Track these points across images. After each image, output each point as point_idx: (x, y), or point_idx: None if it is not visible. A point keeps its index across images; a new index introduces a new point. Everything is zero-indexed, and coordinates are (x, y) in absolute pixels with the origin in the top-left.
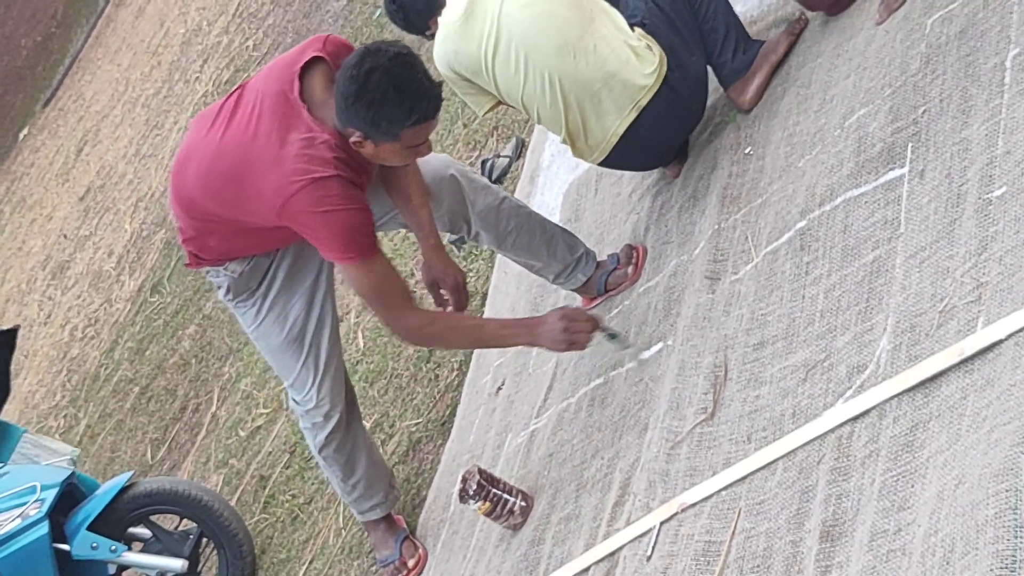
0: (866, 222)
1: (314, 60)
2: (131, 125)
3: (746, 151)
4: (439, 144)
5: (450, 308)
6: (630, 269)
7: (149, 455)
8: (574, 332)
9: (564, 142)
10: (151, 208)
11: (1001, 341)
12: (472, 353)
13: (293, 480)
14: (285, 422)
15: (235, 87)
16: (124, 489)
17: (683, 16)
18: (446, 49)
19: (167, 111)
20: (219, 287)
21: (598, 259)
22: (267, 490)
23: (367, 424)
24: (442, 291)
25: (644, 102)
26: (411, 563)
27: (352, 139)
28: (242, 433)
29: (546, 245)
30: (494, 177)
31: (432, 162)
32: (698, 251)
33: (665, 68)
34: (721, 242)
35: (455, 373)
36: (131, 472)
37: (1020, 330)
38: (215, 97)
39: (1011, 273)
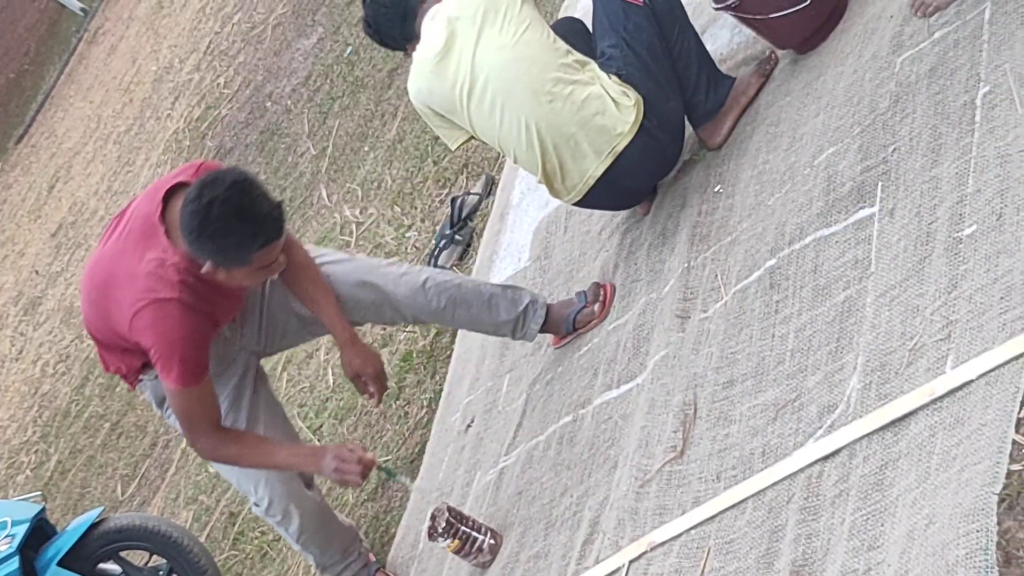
0: (836, 261)
1: (180, 185)
2: (103, 162)
3: (716, 189)
4: (410, 181)
5: (373, 394)
6: (597, 307)
7: (119, 491)
8: (344, 472)
9: (540, 182)
10: None
11: (972, 381)
12: (441, 391)
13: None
14: None
15: (128, 203)
16: (94, 525)
17: (659, 61)
18: (420, 86)
19: (139, 148)
20: (150, 401)
21: (568, 296)
22: (236, 527)
23: None
24: (364, 380)
25: (621, 147)
26: None
27: (204, 269)
28: (211, 470)
29: (487, 310)
30: (464, 214)
31: (346, 275)
32: (668, 289)
33: (642, 115)
34: (691, 280)
35: (424, 410)
36: (101, 508)
37: (991, 370)
38: (187, 134)
39: (981, 311)
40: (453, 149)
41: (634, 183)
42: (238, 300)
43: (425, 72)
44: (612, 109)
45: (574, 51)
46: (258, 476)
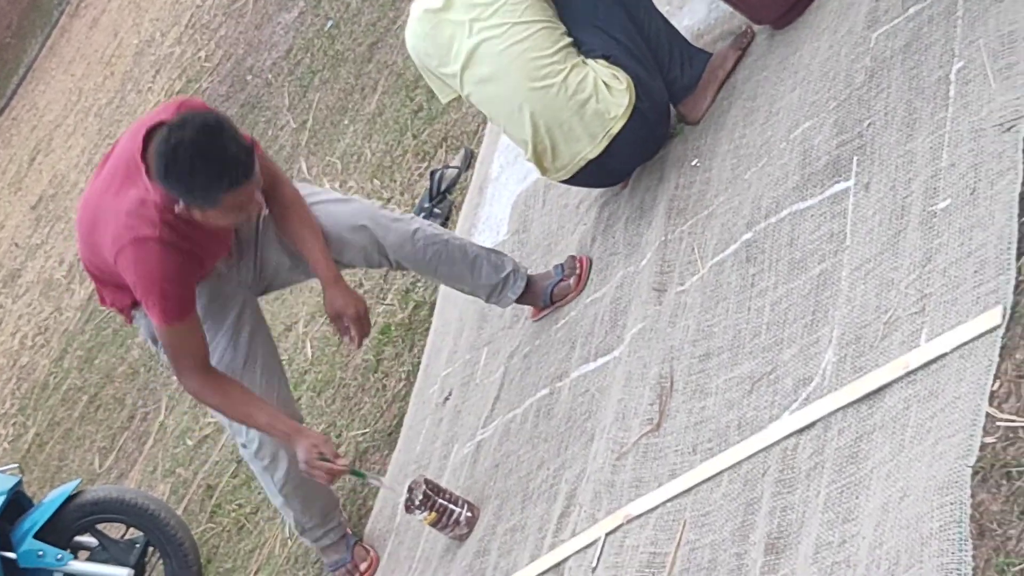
0: (812, 235)
1: (162, 124)
2: (84, 134)
3: (693, 163)
4: (390, 155)
5: (353, 337)
6: (573, 280)
7: (97, 464)
8: (313, 468)
9: (529, 160)
10: None
11: (946, 354)
12: (419, 364)
13: (240, 490)
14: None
15: (115, 142)
16: (71, 497)
17: (637, 43)
18: (416, 44)
19: (119, 121)
20: (145, 338)
21: (547, 269)
22: (214, 499)
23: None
24: (345, 323)
25: (616, 130)
26: (363, 566)
27: (177, 209)
28: (189, 442)
29: (469, 269)
30: (443, 187)
31: (341, 216)
32: (645, 262)
33: (635, 96)
34: (668, 253)
35: (402, 383)
36: (78, 480)
37: (964, 343)
38: None
39: (955, 285)
40: (444, 103)
41: (623, 165)
42: (225, 238)
43: (421, 33)
44: (605, 93)
45: (569, 32)
46: None
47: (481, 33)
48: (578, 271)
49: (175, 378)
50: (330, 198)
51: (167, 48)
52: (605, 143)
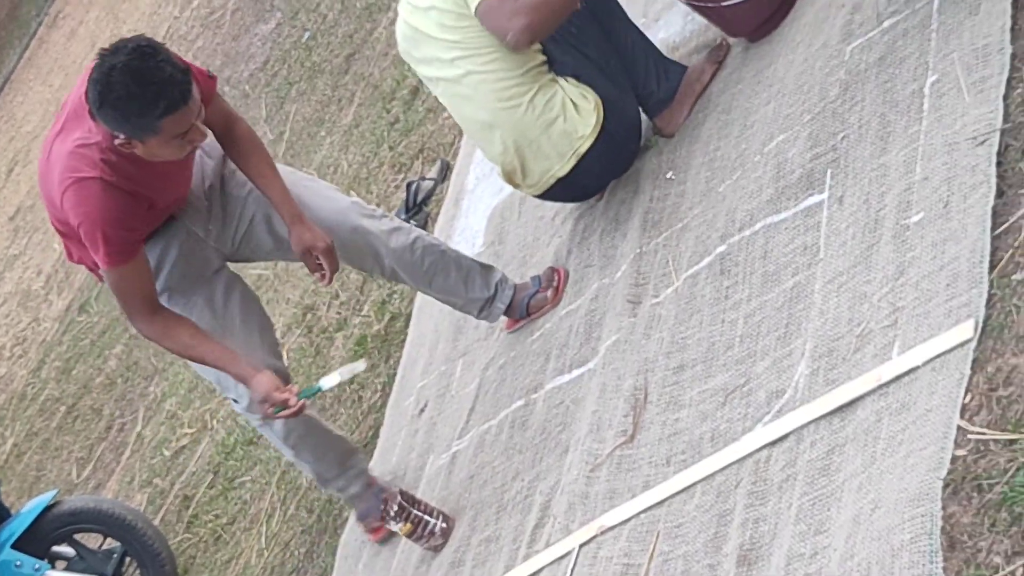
0: (786, 248)
1: None
2: None
3: (668, 175)
4: (366, 166)
5: (325, 273)
6: (550, 292)
7: (74, 474)
8: (265, 412)
9: (500, 176)
10: None
11: (918, 367)
12: (395, 375)
13: (216, 500)
14: (209, 442)
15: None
16: (49, 507)
17: (609, 60)
18: (401, 44)
19: None
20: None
21: (522, 280)
22: (191, 510)
23: None
24: (316, 257)
25: (583, 150)
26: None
27: (117, 142)
28: (167, 453)
29: (463, 283)
30: (419, 199)
31: (337, 205)
32: (620, 274)
33: (602, 116)
34: (643, 266)
35: (378, 395)
36: (56, 491)
37: (936, 356)
38: None
39: (927, 298)
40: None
41: (594, 182)
42: (178, 178)
43: (404, 34)
44: (573, 113)
45: (543, 48)
46: None
47: (453, 50)
48: (555, 283)
49: (132, 326)
50: (331, 196)
51: None
52: (573, 161)
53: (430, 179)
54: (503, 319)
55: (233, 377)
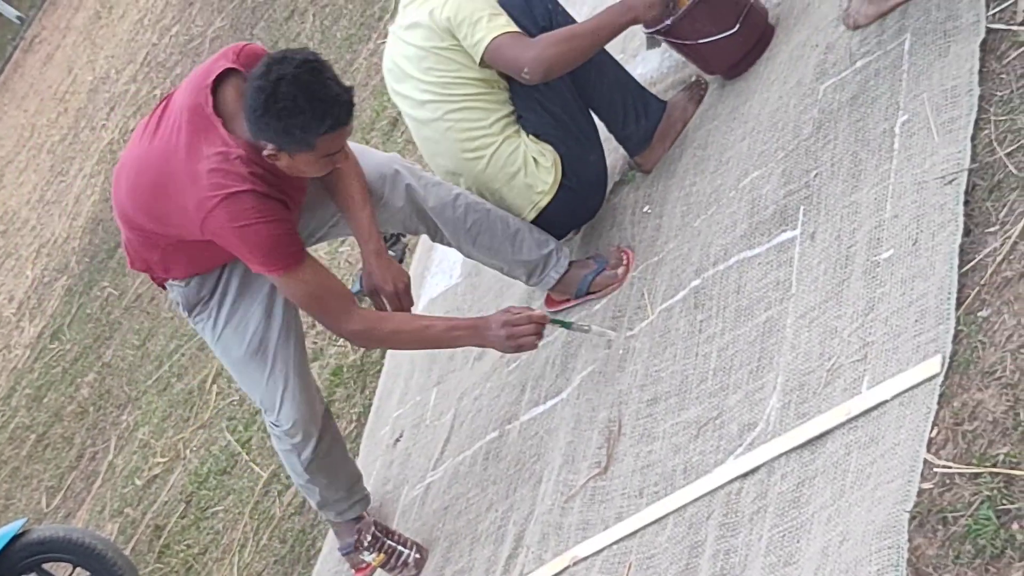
0: (759, 283)
1: (228, 71)
2: (36, 171)
3: (644, 209)
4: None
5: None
6: (620, 270)
7: (44, 503)
8: (518, 337)
9: None
10: (53, 254)
11: (886, 401)
12: (371, 405)
13: (188, 530)
14: (182, 472)
15: (164, 96)
16: (17, 536)
17: (575, 115)
18: (386, 74)
19: (72, 158)
20: (176, 304)
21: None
22: (162, 540)
23: (261, 478)
24: (382, 298)
25: (543, 204)
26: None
27: (265, 152)
28: (138, 482)
29: (510, 243)
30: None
31: (375, 160)
32: (597, 307)
33: (560, 174)
34: (619, 298)
35: (353, 425)
36: (25, 519)
37: (904, 391)
38: (121, 145)
39: (896, 334)
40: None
41: (558, 230)
42: (304, 191)
43: (388, 67)
44: (533, 168)
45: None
46: (286, 392)
47: (426, 93)
48: (625, 262)
49: (337, 333)
50: (360, 146)
51: (122, 86)
52: (534, 214)
53: None
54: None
55: (467, 336)
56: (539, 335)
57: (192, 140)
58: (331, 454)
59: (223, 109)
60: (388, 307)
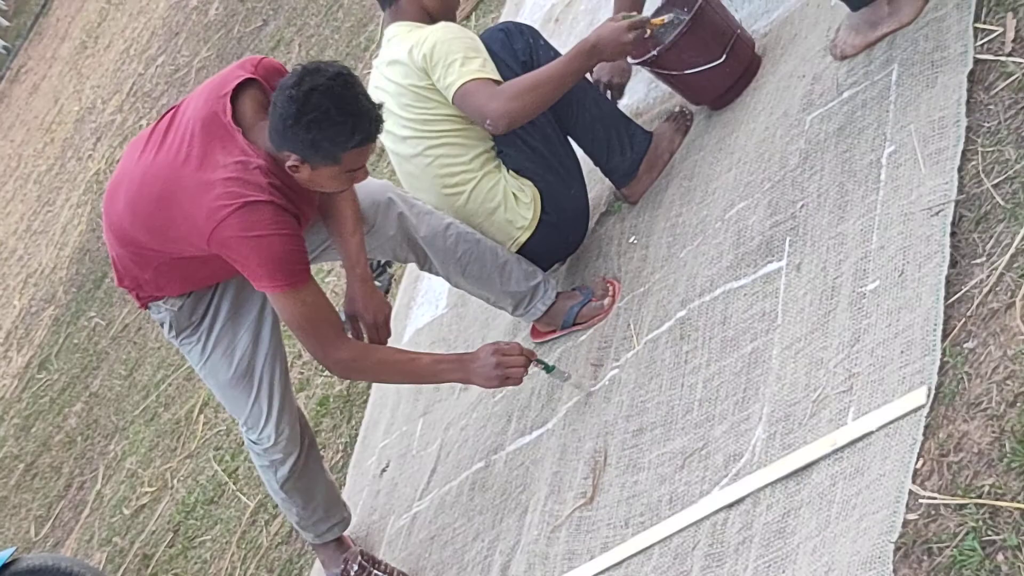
0: (744, 314)
1: (246, 82)
2: (22, 201)
3: (630, 240)
4: None
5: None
6: (607, 301)
7: (33, 532)
8: (507, 367)
9: None
10: (40, 284)
11: (872, 432)
12: (357, 435)
13: (176, 559)
14: (170, 501)
15: (167, 110)
16: (6, 565)
17: (555, 150)
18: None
19: (59, 188)
20: (162, 324)
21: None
22: (150, 569)
23: (248, 508)
24: (360, 325)
25: (523, 240)
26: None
27: (288, 163)
28: (126, 511)
29: (499, 274)
30: (382, 261)
31: (368, 187)
32: (583, 338)
33: (540, 209)
34: (605, 329)
35: (340, 455)
36: (13, 548)
37: (890, 422)
38: (107, 175)
39: (882, 365)
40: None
41: (540, 265)
42: (314, 209)
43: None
44: (513, 204)
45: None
46: (270, 414)
47: (406, 129)
48: (611, 293)
49: (322, 360)
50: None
51: (108, 116)
52: (515, 249)
53: None
54: (526, 327)
55: (452, 371)
56: (526, 369)
57: (206, 149)
58: (307, 475)
59: (241, 119)
60: (365, 335)
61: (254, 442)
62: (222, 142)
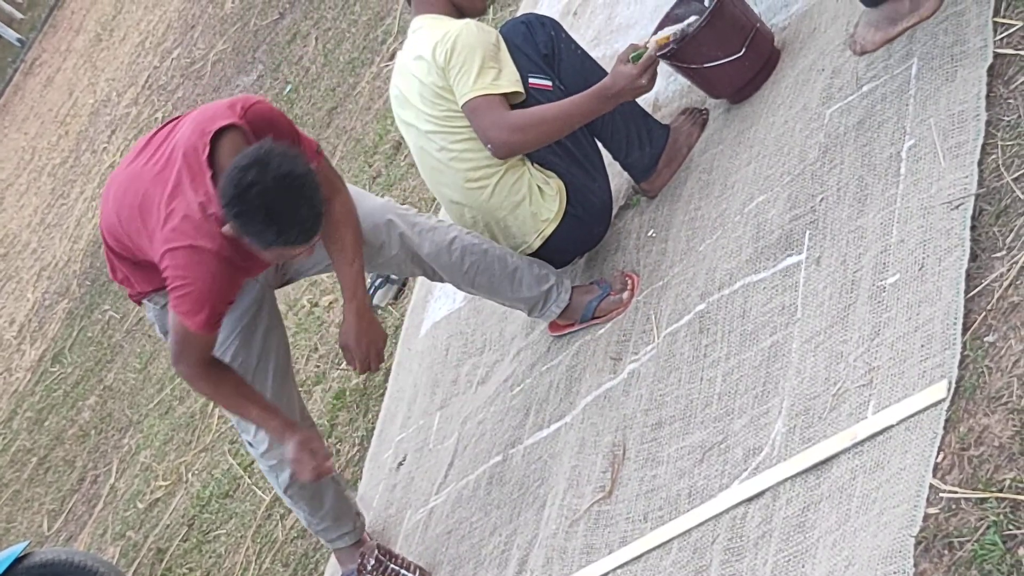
0: (764, 307)
1: (231, 126)
2: (36, 194)
3: (649, 234)
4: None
5: (356, 369)
6: (625, 295)
7: (45, 526)
8: (300, 463)
9: None
10: (54, 277)
11: (892, 426)
12: (374, 429)
13: (191, 553)
14: (184, 495)
15: (171, 118)
16: (19, 559)
17: (579, 143)
18: (393, 100)
19: (73, 181)
20: (152, 323)
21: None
22: (164, 563)
23: (264, 502)
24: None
25: (548, 232)
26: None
27: (224, 228)
28: (140, 505)
29: (509, 282)
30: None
31: (368, 207)
32: (602, 331)
33: (565, 202)
34: (624, 323)
35: (356, 448)
36: (26, 542)
37: (910, 416)
38: None
39: (902, 359)
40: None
41: (563, 257)
42: (268, 263)
43: (394, 94)
44: (538, 196)
45: None
46: None
47: (429, 123)
48: (630, 286)
49: (174, 364)
50: (356, 190)
51: (123, 108)
52: (539, 242)
53: None
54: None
55: (270, 432)
56: (316, 478)
57: (180, 178)
58: (312, 483)
59: (217, 161)
60: (356, 365)
61: (251, 444)
62: (193, 177)
